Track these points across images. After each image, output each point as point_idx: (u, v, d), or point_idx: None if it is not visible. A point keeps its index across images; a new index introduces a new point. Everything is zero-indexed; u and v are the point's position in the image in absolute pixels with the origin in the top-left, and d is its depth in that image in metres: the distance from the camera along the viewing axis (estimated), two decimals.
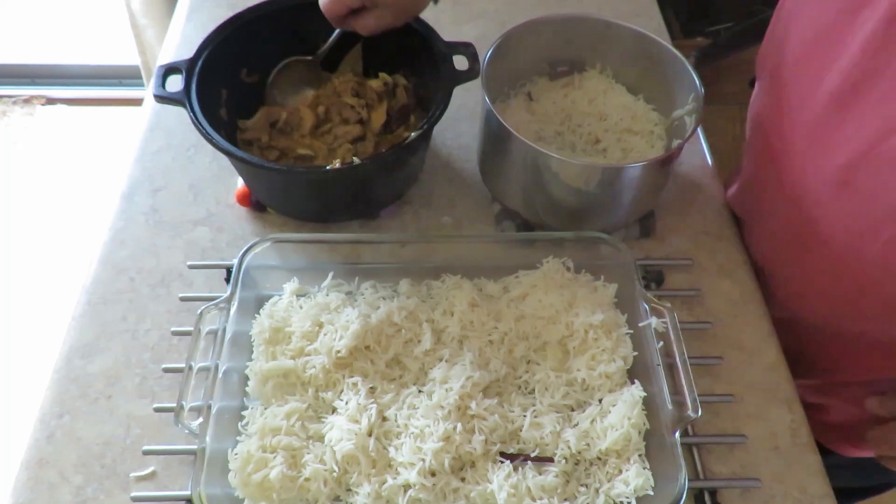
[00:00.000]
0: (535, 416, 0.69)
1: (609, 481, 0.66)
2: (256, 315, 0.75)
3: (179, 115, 0.83)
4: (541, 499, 0.64)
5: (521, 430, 0.68)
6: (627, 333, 0.73)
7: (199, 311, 0.70)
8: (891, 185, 0.62)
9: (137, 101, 1.67)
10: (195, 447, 0.64)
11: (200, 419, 0.65)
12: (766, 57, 0.79)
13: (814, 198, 0.71)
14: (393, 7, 0.80)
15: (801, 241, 0.75)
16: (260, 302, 0.77)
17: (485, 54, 0.82)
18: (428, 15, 0.88)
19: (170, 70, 0.83)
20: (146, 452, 0.70)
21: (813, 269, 0.77)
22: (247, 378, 0.71)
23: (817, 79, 0.67)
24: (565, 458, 0.66)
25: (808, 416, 0.76)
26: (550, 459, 0.67)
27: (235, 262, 0.74)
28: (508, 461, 0.66)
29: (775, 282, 0.84)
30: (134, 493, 0.68)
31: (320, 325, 0.74)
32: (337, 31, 0.87)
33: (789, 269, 0.83)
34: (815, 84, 0.67)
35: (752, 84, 0.84)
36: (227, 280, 0.80)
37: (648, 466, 0.66)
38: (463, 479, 0.66)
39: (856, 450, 0.88)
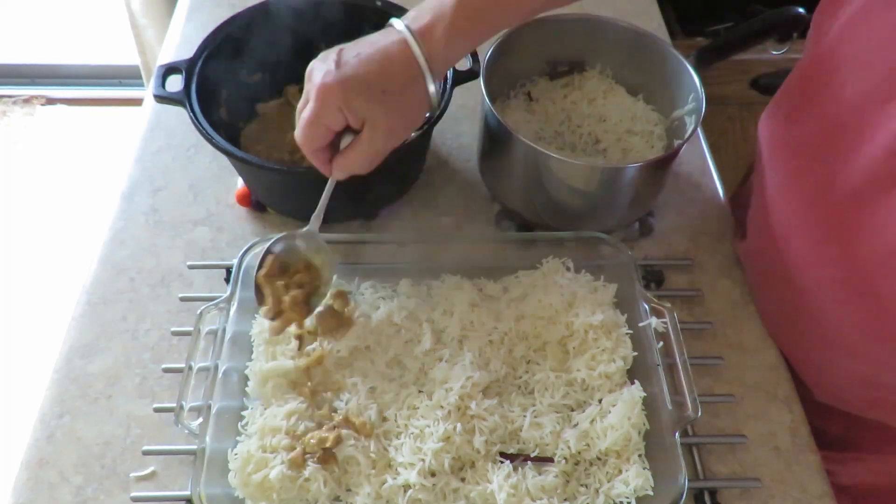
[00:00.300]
0: (535, 416, 0.69)
1: (609, 481, 0.66)
2: (256, 315, 0.75)
3: (179, 115, 0.83)
4: (541, 499, 0.64)
5: (521, 430, 0.68)
6: (627, 333, 0.73)
7: (199, 311, 0.70)
8: None
9: (137, 101, 1.67)
10: (195, 447, 0.64)
11: (200, 419, 0.65)
12: (778, 127, 0.74)
13: (824, 295, 0.67)
14: (385, 131, 0.66)
15: (809, 331, 0.73)
16: None
17: (485, 54, 0.82)
18: None
19: (170, 70, 0.83)
20: (146, 452, 0.70)
21: (823, 359, 0.74)
22: (247, 378, 0.71)
23: (838, 166, 0.61)
24: (565, 459, 0.66)
25: None
26: (550, 459, 0.67)
27: (235, 262, 0.74)
28: (508, 461, 0.66)
29: (786, 350, 0.80)
30: (134, 493, 0.68)
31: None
32: (328, 185, 0.72)
33: (795, 348, 0.79)
34: (834, 173, 0.62)
35: (752, 85, 0.84)
36: (227, 280, 0.80)
37: (648, 466, 0.66)
38: (463, 480, 0.66)
39: None
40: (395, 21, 0.67)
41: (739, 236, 0.86)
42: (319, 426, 0.67)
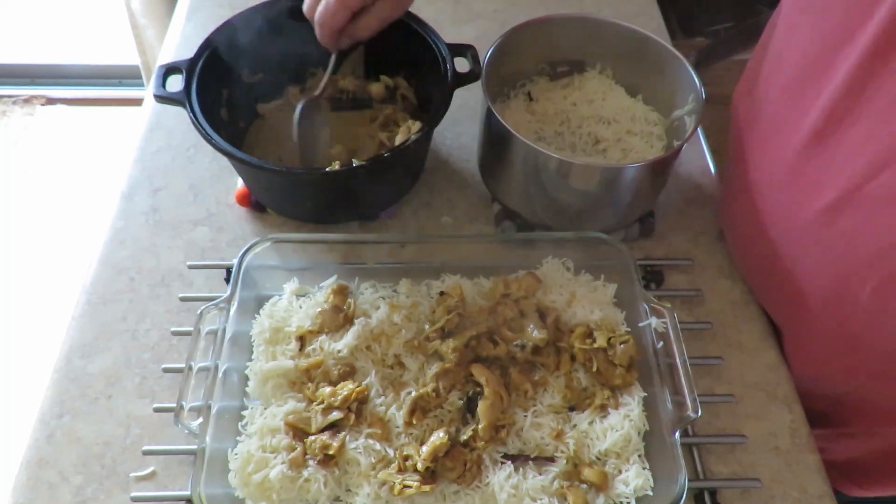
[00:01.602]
0: (535, 417, 0.69)
1: (609, 481, 0.66)
2: (256, 315, 0.75)
3: (179, 115, 0.83)
4: (541, 499, 0.64)
5: (521, 431, 0.68)
6: (627, 332, 0.73)
7: (199, 311, 0.70)
8: (878, 226, 0.60)
9: (137, 101, 1.67)
10: (195, 447, 0.64)
11: (200, 419, 0.65)
12: (751, 85, 0.77)
13: (796, 239, 0.69)
14: (381, 11, 0.78)
15: (785, 286, 0.73)
16: (260, 302, 0.77)
17: (485, 55, 0.82)
18: (428, 15, 0.89)
19: (170, 70, 0.83)
20: (146, 452, 0.70)
21: (799, 318, 0.75)
22: (247, 378, 0.71)
23: (799, 114, 0.64)
24: (565, 459, 0.66)
25: None
26: (551, 459, 0.67)
27: (235, 262, 0.74)
28: (509, 461, 0.66)
29: (770, 311, 0.82)
30: (134, 493, 0.68)
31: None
32: (331, 60, 0.84)
33: (775, 312, 0.81)
34: (797, 120, 0.65)
35: None
36: (227, 280, 0.80)
37: (648, 467, 0.67)
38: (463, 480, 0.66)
39: (859, 489, 0.87)
40: None
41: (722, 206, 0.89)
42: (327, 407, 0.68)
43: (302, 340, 0.73)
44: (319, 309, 0.74)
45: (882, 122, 0.56)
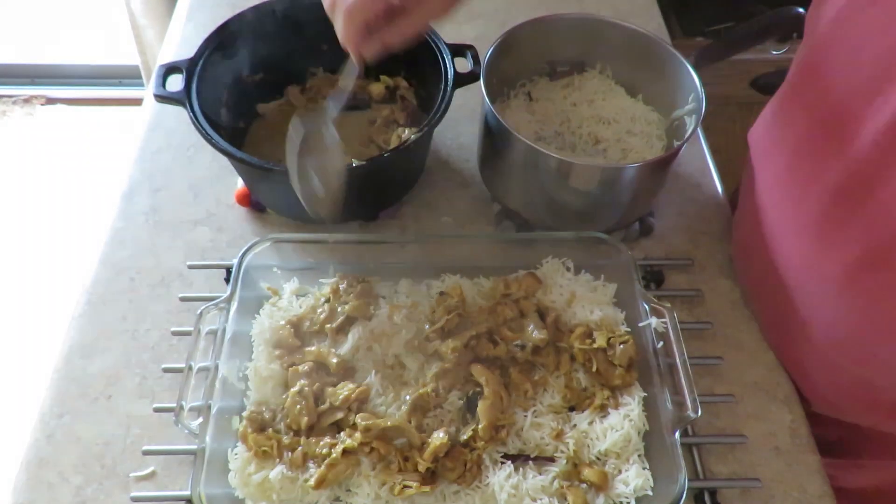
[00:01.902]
0: (535, 417, 0.69)
1: (609, 481, 0.66)
2: (256, 315, 0.75)
3: (179, 115, 0.83)
4: (541, 499, 0.64)
5: (521, 431, 0.68)
6: (627, 332, 0.73)
7: (199, 311, 0.70)
8: None
9: (137, 101, 1.67)
10: (195, 447, 0.64)
11: (200, 419, 0.65)
12: (771, 125, 0.74)
13: (816, 290, 0.67)
14: (426, 12, 0.66)
15: (799, 332, 0.72)
16: (260, 302, 0.77)
17: (485, 54, 0.82)
18: None
19: (170, 70, 0.83)
20: (146, 452, 0.70)
21: (811, 363, 0.74)
22: (247, 378, 0.71)
23: (827, 164, 0.61)
24: (565, 459, 0.66)
25: None
26: (551, 459, 0.67)
27: (235, 262, 0.74)
28: (509, 461, 0.66)
29: (780, 355, 0.80)
30: (134, 493, 0.68)
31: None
32: (346, 68, 0.70)
33: (789, 351, 0.79)
34: (824, 170, 0.62)
35: (752, 85, 0.84)
36: (227, 280, 0.80)
37: (648, 467, 0.67)
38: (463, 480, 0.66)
39: None
40: None
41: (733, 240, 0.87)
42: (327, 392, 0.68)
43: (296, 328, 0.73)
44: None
45: None
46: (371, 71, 0.95)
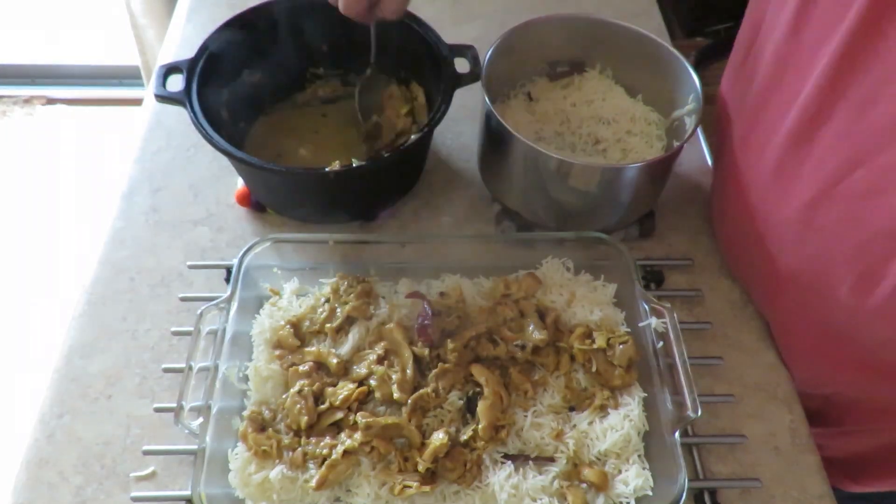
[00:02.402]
0: (535, 417, 0.69)
1: (609, 481, 0.66)
2: (256, 315, 0.75)
3: (179, 115, 0.83)
4: (541, 499, 0.64)
5: (521, 431, 0.68)
6: (627, 332, 0.73)
7: (199, 311, 0.70)
8: (852, 223, 0.61)
9: (137, 101, 1.67)
10: (195, 447, 0.64)
11: (200, 419, 0.65)
12: (733, 79, 0.77)
13: (778, 235, 0.70)
14: None
15: (770, 281, 0.74)
16: (260, 302, 0.77)
17: (485, 55, 0.82)
18: (428, 15, 0.88)
19: (171, 70, 0.83)
20: (146, 452, 0.70)
21: (785, 312, 0.76)
22: (247, 378, 0.71)
23: (780, 112, 0.65)
24: (565, 459, 0.66)
25: None
26: (551, 459, 0.67)
27: (235, 262, 0.74)
28: (509, 461, 0.66)
29: (764, 314, 0.83)
30: (134, 493, 0.68)
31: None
32: (372, 28, 0.83)
33: (761, 304, 0.82)
34: (778, 117, 0.66)
35: None
36: (227, 280, 0.80)
37: (648, 467, 0.67)
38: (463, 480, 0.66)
39: (856, 485, 0.88)
40: None
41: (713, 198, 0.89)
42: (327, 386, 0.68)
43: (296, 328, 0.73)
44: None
45: (854, 120, 0.57)
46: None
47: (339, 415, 0.67)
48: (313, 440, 0.66)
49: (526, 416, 0.69)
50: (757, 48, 0.71)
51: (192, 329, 0.69)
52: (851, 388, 0.77)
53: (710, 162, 0.99)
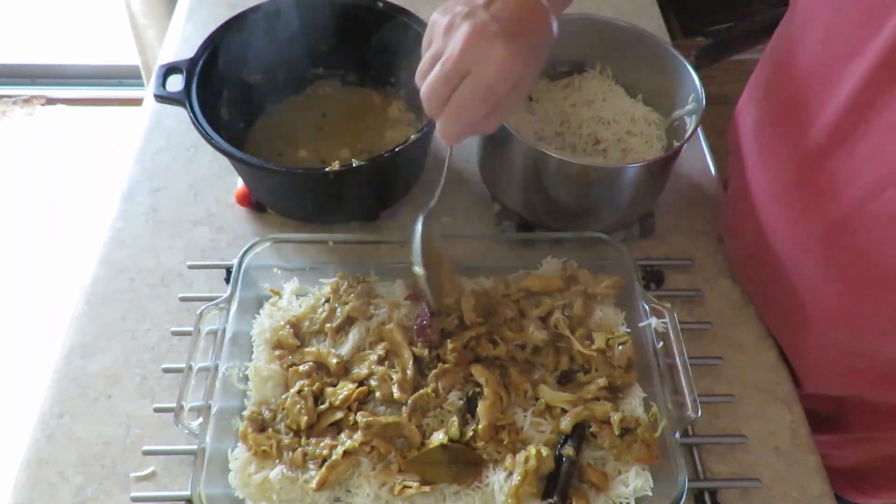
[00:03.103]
0: (535, 416, 0.69)
1: (609, 482, 0.66)
2: (256, 315, 0.75)
3: (179, 115, 0.83)
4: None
5: (521, 430, 0.68)
6: (626, 332, 0.73)
7: (199, 311, 0.70)
8: (884, 246, 0.58)
9: (137, 101, 1.67)
10: (195, 447, 0.64)
11: (200, 419, 0.65)
12: (754, 97, 0.76)
13: (800, 254, 0.68)
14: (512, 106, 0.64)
15: (787, 299, 0.73)
16: (260, 302, 0.77)
17: None
18: (428, 15, 0.88)
19: (171, 70, 0.83)
20: (146, 452, 0.70)
21: (800, 329, 0.74)
22: (247, 378, 0.71)
23: (804, 129, 0.63)
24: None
25: None
26: None
27: (235, 262, 0.74)
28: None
29: (770, 326, 0.82)
30: (134, 493, 0.68)
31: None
32: (448, 156, 0.70)
33: (772, 321, 0.81)
34: (802, 134, 0.63)
35: None
36: (227, 280, 0.80)
37: (648, 467, 0.66)
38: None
39: (863, 496, 0.87)
40: None
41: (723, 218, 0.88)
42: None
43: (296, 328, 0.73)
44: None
45: (887, 139, 0.55)
46: (372, 71, 0.95)
47: (339, 415, 0.67)
48: (313, 440, 0.66)
49: (526, 416, 0.69)
50: (781, 60, 0.68)
51: (192, 329, 0.69)
52: (866, 395, 0.76)
53: (710, 162, 0.98)
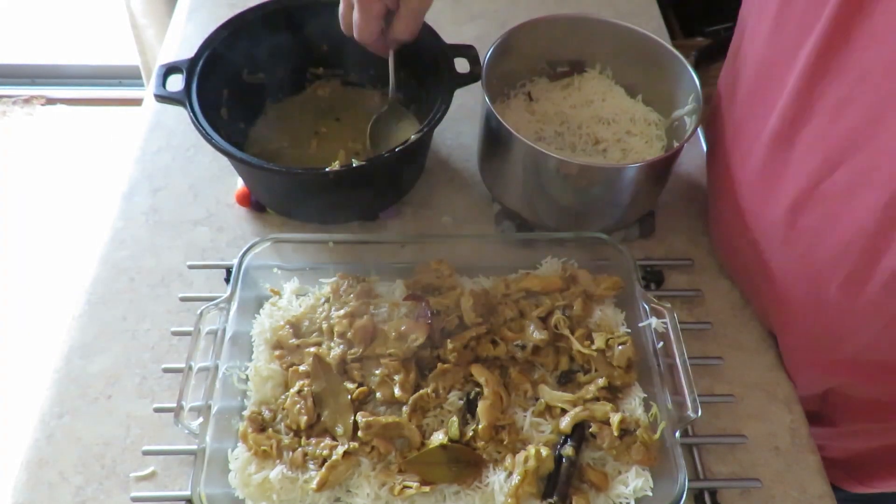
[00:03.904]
0: (535, 416, 0.69)
1: (609, 482, 0.66)
2: (256, 315, 0.75)
3: (179, 115, 0.83)
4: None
5: (521, 430, 0.68)
6: (626, 333, 0.73)
7: (199, 311, 0.70)
8: (836, 224, 0.61)
9: (137, 101, 1.67)
10: (195, 447, 0.64)
11: (200, 419, 0.65)
12: (725, 82, 0.78)
13: (768, 238, 0.70)
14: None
15: (764, 284, 0.74)
16: (260, 302, 0.77)
17: (485, 55, 0.82)
18: (428, 15, 0.88)
19: (171, 70, 0.83)
20: (146, 453, 0.70)
21: (780, 314, 0.76)
22: (247, 378, 0.71)
23: (764, 115, 0.66)
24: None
25: None
26: None
27: (235, 262, 0.74)
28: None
29: (761, 317, 0.83)
30: (134, 493, 0.68)
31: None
32: (391, 62, 0.84)
33: (759, 309, 0.82)
34: (762, 120, 0.66)
35: None
36: (227, 280, 0.80)
37: (648, 467, 0.66)
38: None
39: (861, 486, 0.87)
40: None
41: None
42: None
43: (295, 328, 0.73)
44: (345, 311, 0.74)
45: (831, 121, 0.58)
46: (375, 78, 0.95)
47: None
48: (313, 440, 0.66)
49: (526, 416, 0.69)
50: (743, 51, 0.71)
51: (192, 329, 0.69)
52: (846, 387, 0.77)
53: None
